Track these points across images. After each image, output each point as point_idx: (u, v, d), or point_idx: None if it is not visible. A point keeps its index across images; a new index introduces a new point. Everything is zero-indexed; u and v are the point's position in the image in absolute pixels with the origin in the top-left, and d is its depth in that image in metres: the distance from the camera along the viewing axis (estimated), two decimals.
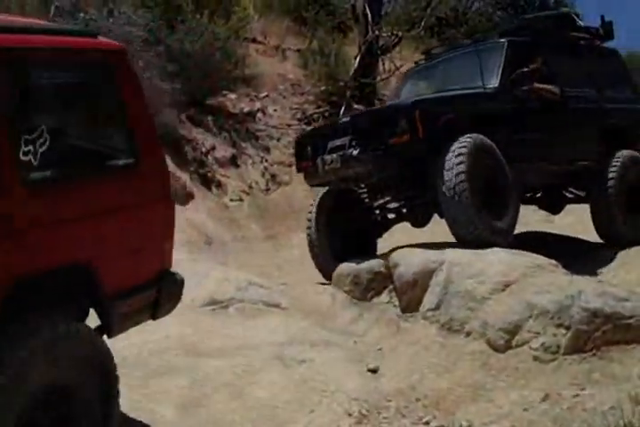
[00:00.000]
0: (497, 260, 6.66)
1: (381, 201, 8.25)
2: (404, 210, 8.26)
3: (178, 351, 5.81)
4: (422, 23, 16.26)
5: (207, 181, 11.19)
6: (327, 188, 8.32)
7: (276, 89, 14.25)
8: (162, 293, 4.43)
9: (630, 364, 5.52)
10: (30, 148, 3.62)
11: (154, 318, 4.54)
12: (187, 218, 9.95)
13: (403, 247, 7.34)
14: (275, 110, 13.57)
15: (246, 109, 13.15)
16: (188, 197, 10.47)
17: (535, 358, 5.76)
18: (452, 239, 7.27)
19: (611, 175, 8.50)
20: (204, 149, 11.53)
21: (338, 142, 7.60)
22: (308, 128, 12.47)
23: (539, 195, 9.44)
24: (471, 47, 8.62)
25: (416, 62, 9.81)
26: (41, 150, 3.67)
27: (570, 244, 9.13)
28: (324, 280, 7.94)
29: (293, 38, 16.18)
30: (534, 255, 6.90)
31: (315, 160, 7.79)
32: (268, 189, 11.55)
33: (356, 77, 14.20)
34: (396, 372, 5.93)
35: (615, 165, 8.54)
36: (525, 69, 8.05)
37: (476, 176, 7.08)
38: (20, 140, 3.59)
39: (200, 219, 10.36)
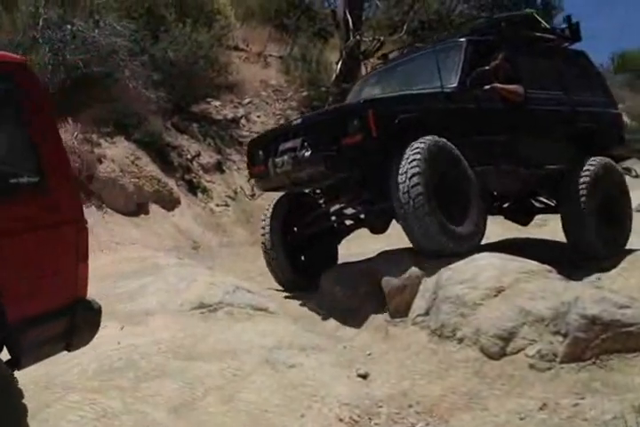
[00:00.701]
0: (488, 265, 6.44)
1: (337, 206, 8.00)
2: (362, 216, 7.98)
3: (168, 355, 5.76)
4: (404, 27, 16.09)
5: (193, 187, 11.29)
6: (281, 193, 8.09)
7: (259, 95, 14.35)
8: (76, 321, 4.09)
9: (632, 373, 5.35)
10: None
11: (68, 348, 4.20)
12: (174, 223, 10.08)
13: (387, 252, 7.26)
14: (258, 116, 13.68)
15: (230, 116, 13.28)
16: (174, 203, 10.59)
17: (531, 366, 5.58)
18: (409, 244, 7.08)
19: (582, 184, 8.02)
20: (189, 156, 11.63)
21: (289, 144, 7.27)
22: None
23: (506, 205, 9.01)
24: (429, 48, 8.26)
25: (373, 67, 9.56)
26: None
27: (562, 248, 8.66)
28: None
29: (275, 45, 16.25)
30: (527, 260, 6.65)
31: (266, 164, 7.48)
32: (253, 195, 11.61)
33: (337, 83, 14.18)
34: (386, 377, 5.77)
35: (587, 174, 8.08)
36: (486, 68, 7.65)
37: (433, 180, 6.73)
38: None
39: (187, 224, 10.45)
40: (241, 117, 13.37)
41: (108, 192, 9.65)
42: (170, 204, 10.48)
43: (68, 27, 10.56)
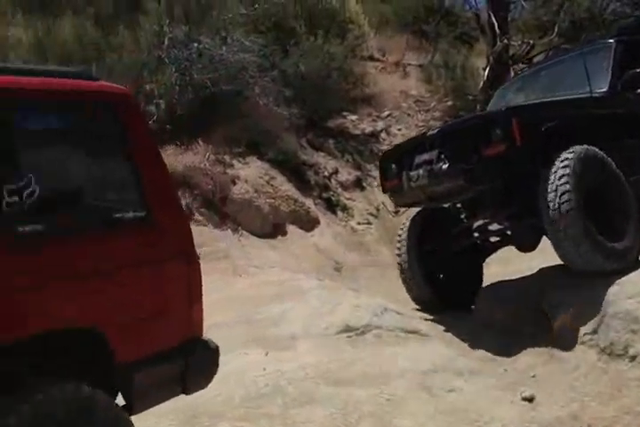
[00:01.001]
0: None
1: (481, 222, 7.80)
2: (508, 232, 7.82)
3: (316, 380, 5.75)
4: (555, 28, 15.70)
5: (332, 206, 11.27)
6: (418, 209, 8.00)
7: (399, 107, 14.24)
8: (191, 362, 4.03)
9: None
10: (15, 198, 3.39)
11: (185, 391, 4.13)
12: (313, 244, 10.05)
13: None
14: (399, 129, 13.55)
15: (368, 130, 13.20)
16: (313, 223, 10.58)
17: None
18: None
19: None
20: (326, 173, 11.62)
21: (425, 157, 7.13)
22: None
23: None
24: (576, 51, 8.11)
25: (516, 72, 9.41)
26: (29, 201, 3.42)
27: None
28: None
29: (414, 53, 16.10)
30: None
31: (400, 178, 7.37)
32: (397, 211, 11.43)
33: (485, 90, 13.82)
34: (554, 400, 5.69)
35: None
36: (638, 70, 7.38)
37: (584, 194, 6.52)
38: (2, 190, 3.36)
39: (327, 244, 10.42)
40: (380, 131, 13.27)
41: (244, 214, 9.74)
42: (308, 224, 10.49)
43: (195, 45, 10.84)
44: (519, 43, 14.74)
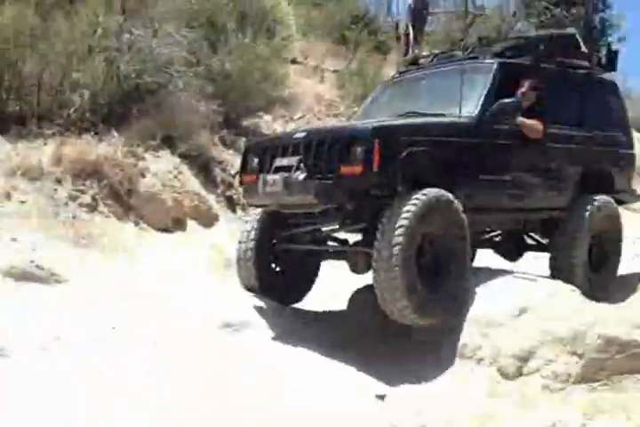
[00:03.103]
0: (515, 284, 6.70)
1: (328, 228, 7.46)
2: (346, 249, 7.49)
3: None
4: (462, 42, 16.16)
5: (232, 204, 11.46)
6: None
7: (311, 110, 14.49)
8: None
9: None
10: None
11: None
12: (210, 240, 10.33)
13: None
14: None
15: (280, 131, 13.36)
16: (212, 220, 10.78)
17: (544, 387, 5.80)
18: None
19: (575, 226, 7.77)
20: (233, 171, 11.71)
21: (285, 162, 6.82)
22: None
23: (496, 238, 8.75)
24: (457, 64, 7.78)
25: (400, 72, 9.16)
26: None
27: None
28: None
29: (333, 59, 16.33)
30: (553, 281, 7.02)
31: (258, 176, 7.06)
32: None
33: None
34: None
35: (583, 214, 7.80)
36: (509, 101, 7.25)
37: (423, 241, 6.46)
38: None
39: (223, 241, 10.71)
40: None
41: (148, 207, 9.82)
42: (208, 220, 10.65)
43: (127, 36, 10.92)
44: (427, 54, 15.09)
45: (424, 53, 11.91)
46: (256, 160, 7.31)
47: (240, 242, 7.72)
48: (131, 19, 11.17)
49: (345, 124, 7.41)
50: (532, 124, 7.49)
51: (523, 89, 7.49)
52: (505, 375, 6.04)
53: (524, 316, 6.36)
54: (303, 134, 7.01)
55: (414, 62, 9.27)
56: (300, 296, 7.94)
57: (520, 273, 7.15)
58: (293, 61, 15.46)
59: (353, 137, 6.57)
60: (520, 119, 7.40)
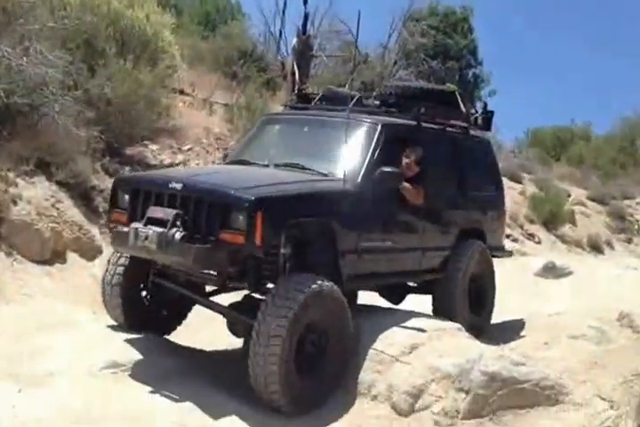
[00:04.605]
0: (405, 322, 6.81)
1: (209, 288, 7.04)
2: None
3: (70, 419, 5.10)
4: (346, 86, 16.12)
5: None
6: None
7: (200, 142, 13.80)
8: None
9: None
10: None
11: None
12: (92, 274, 9.18)
13: None
14: (197, 164, 13.02)
15: (167, 161, 12.56)
16: (95, 252, 9.65)
17: (436, 423, 5.91)
18: None
19: (456, 270, 7.91)
20: None
21: (159, 214, 6.04)
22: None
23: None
24: (342, 116, 7.13)
25: (287, 106, 9.05)
26: None
27: None
28: None
29: (223, 92, 15.93)
30: (440, 319, 7.19)
31: (130, 222, 6.22)
32: None
33: None
34: None
35: (462, 259, 7.97)
36: (393, 170, 6.93)
37: (302, 330, 6.01)
38: None
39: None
40: (179, 164, 12.62)
41: (22, 237, 8.68)
42: (90, 252, 9.55)
43: None
44: (314, 93, 14.86)
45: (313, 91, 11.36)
46: (127, 197, 6.44)
47: (110, 263, 7.04)
48: None
49: (226, 177, 6.65)
50: (414, 191, 7.32)
51: (407, 160, 7.37)
52: (399, 412, 6.08)
53: (414, 353, 6.43)
54: (180, 186, 6.17)
55: (304, 97, 9.05)
56: (167, 329, 7.33)
57: (409, 312, 7.32)
58: (182, 92, 14.83)
59: (233, 204, 5.97)
60: (402, 185, 7.20)
